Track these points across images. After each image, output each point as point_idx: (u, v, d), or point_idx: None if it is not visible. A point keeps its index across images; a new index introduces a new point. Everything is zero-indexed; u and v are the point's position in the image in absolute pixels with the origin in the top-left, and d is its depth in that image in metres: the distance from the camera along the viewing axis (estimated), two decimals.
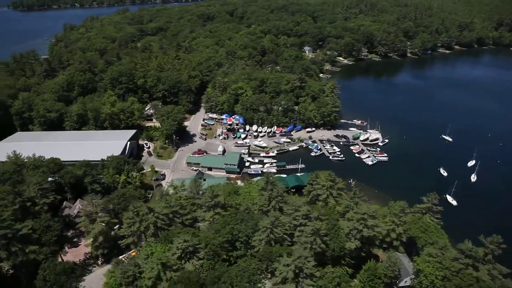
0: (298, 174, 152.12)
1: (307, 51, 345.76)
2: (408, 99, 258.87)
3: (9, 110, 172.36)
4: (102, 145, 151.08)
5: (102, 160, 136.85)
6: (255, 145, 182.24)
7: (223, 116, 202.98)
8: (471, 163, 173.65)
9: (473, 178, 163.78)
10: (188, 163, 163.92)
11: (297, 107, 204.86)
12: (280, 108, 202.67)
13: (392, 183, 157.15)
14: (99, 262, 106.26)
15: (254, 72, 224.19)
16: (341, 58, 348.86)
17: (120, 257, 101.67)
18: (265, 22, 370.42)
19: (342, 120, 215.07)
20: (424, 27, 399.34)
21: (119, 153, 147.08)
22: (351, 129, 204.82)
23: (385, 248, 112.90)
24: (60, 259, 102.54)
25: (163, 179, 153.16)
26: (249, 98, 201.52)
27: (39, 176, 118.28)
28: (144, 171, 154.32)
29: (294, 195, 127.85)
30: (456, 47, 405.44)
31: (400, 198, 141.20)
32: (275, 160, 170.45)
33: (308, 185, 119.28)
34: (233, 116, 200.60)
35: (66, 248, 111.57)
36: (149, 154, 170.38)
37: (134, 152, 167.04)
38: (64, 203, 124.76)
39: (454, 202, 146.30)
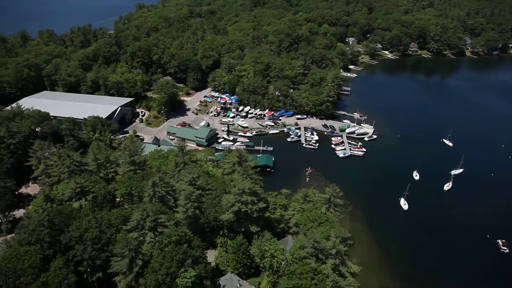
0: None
1: (351, 42, 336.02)
2: (432, 99, 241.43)
3: (42, 73, 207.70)
4: (95, 107, 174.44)
5: (84, 119, 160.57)
6: (238, 125, 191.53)
7: (223, 95, 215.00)
8: (456, 171, 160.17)
9: (447, 186, 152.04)
10: (168, 133, 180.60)
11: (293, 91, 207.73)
12: (277, 92, 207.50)
13: (351, 177, 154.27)
14: None
15: (263, 56, 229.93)
16: (386, 52, 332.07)
17: None
18: (313, 10, 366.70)
19: (342, 112, 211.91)
20: (497, 25, 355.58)
21: (105, 116, 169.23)
22: (344, 121, 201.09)
23: (292, 234, 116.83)
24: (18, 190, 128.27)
25: None
26: (247, 80, 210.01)
27: (27, 123, 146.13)
28: (126, 134, 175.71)
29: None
30: None
31: (350, 193, 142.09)
32: (247, 140, 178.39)
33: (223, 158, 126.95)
34: (228, 96, 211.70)
35: (30, 183, 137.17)
36: (141, 121, 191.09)
37: (127, 118, 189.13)
38: None
39: (406, 206, 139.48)
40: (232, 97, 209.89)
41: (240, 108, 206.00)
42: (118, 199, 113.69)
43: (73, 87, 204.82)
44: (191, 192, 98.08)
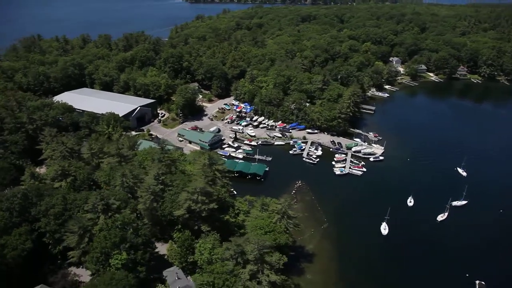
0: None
1: (394, 62, 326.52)
2: (463, 126, 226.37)
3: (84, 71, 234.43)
4: (117, 105, 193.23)
5: (102, 114, 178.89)
6: (247, 133, 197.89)
7: (240, 104, 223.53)
8: (458, 202, 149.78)
9: (441, 217, 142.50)
10: (178, 134, 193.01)
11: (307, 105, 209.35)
12: (293, 105, 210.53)
13: (340, 195, 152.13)
14: None
15: (287, 69, 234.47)
16: (430, 74, 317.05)
17: None
18: (359, 28, 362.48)
19: (357, 130, 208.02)
20: None
21: (123, 114, 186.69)
22: (356, 139, 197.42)
23: None
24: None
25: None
26: (265, 91, 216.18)
27: (52, 113, 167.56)
28: (140, 132, 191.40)
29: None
30: None
31: (331, 210, 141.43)
32: (249, 149, 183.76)
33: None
34: (245, 105, 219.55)
35: (44, 165, 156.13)
36: (159, 121, 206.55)
37: (146, 118, 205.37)
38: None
39: (385, 231, 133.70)
40: (249, 107, 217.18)
41: (255, 117, 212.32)
42: (107, 187, 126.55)
43: (108, 86, 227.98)
44: (150, 184, 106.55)
